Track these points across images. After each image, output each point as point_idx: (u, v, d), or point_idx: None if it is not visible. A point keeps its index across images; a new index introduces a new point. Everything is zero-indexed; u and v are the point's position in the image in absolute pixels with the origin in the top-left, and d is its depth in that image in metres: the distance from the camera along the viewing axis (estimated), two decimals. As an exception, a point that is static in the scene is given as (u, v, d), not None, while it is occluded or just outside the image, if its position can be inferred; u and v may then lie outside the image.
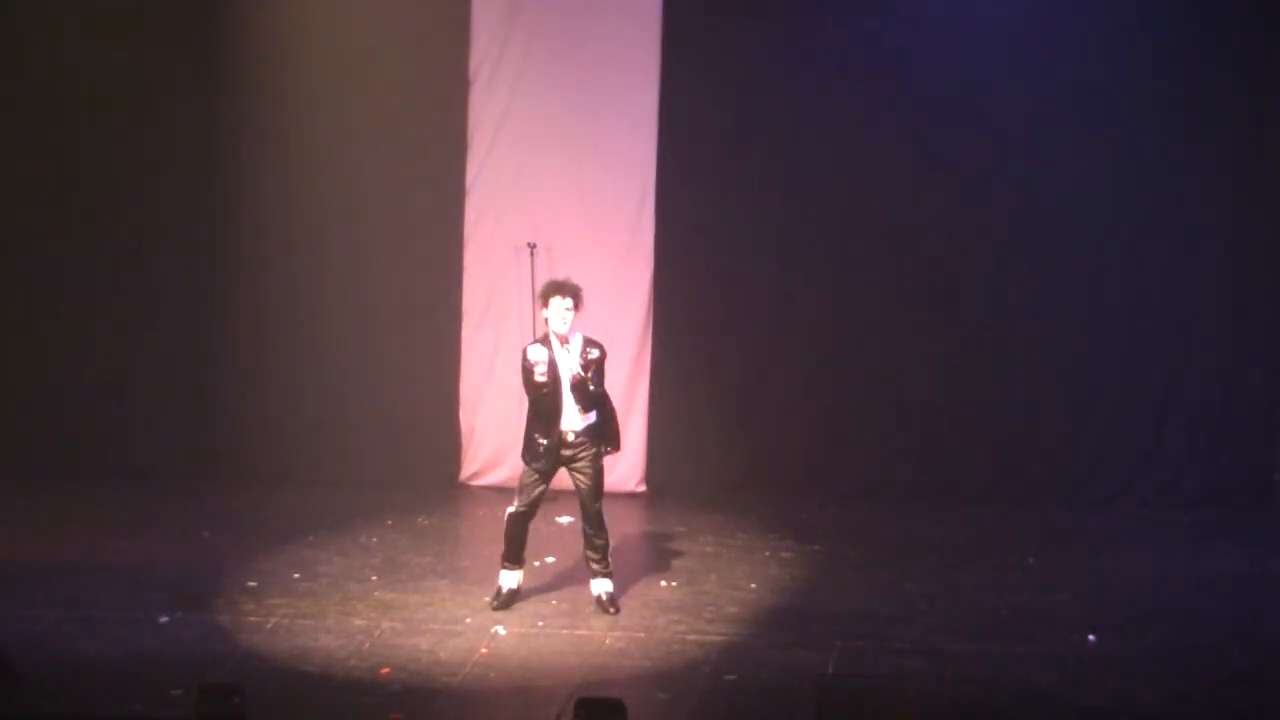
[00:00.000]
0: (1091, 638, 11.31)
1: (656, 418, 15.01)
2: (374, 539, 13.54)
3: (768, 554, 13.27)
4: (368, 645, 11.14)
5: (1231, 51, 14.30)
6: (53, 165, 15.12)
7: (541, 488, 11.74)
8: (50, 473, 14.87)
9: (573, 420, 11.60)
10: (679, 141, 14.81)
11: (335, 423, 15.11)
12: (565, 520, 13.08)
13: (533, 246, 14.68)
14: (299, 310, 15.10)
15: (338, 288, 15.09)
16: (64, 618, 11.50)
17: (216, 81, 14.97)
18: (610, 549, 11.87)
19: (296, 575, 12.56)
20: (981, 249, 14.64)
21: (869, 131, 14.62)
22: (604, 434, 11.73)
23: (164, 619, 11.55)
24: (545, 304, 11.57)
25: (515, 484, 11.95)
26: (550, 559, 12.82)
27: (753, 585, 12.50)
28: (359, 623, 11.56)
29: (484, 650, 11.09)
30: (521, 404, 11.99)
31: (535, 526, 12.03)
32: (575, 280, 11.69)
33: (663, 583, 12.53)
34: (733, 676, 10.71)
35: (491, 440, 14.97)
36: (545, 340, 11.61)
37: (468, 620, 11.62)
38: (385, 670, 10.72)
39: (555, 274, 13.93)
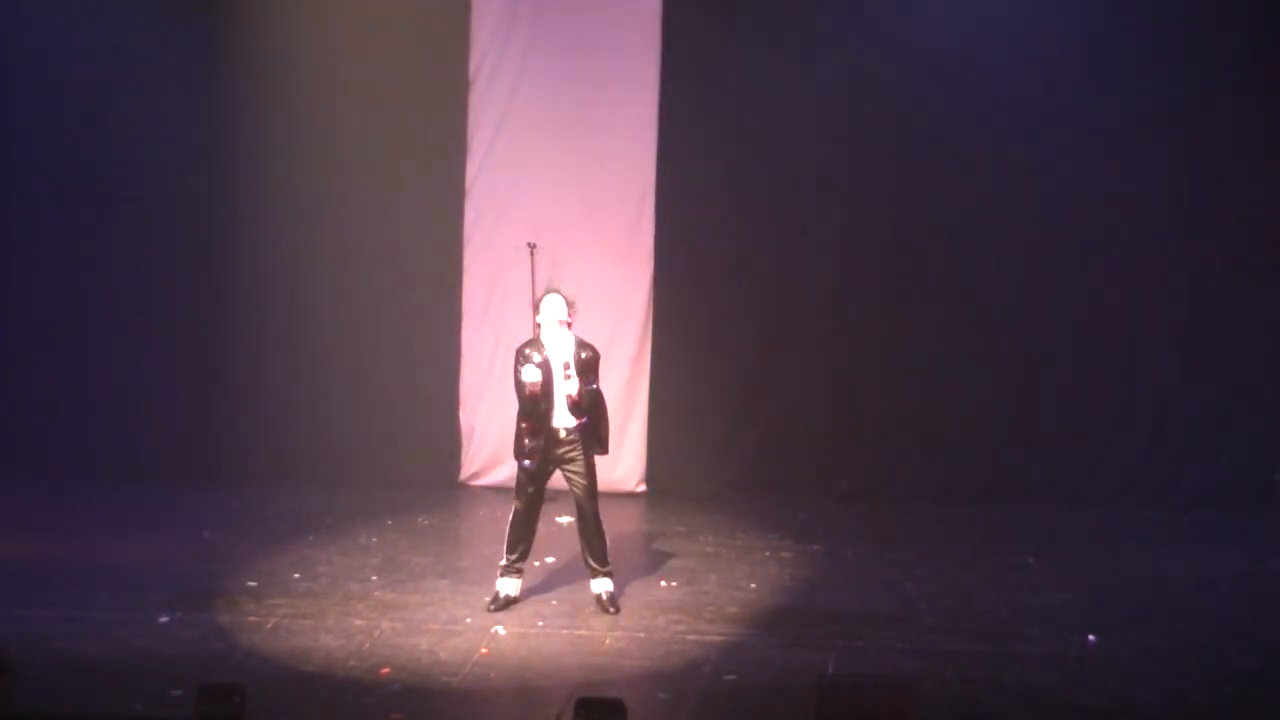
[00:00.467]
0: (1091, 638, 11.30)
1: (656, 418, 15.02)
2: (374, 539, 13.54)
3: (768, 554, 13.27)
4: (368, 645, 11.14)
5: (1233, 52, 14.30)
6: (53, 165, 15.12)
7: (536, 486, 11.74)
8: (50, 473, 14.87)
9: (564, 419, 11.62)
10: (679, 141, 14.82)
11: (335, 423, 15.11)
12: (565, 520, 13.08)
13: (533, 246, 14.63)
14: (299, 310, 15.11)
15: (338, 287, 15.09)
16: (64, 618, 11.50)
17: (216, 81, 14.98)
18: (609, 549, 11.87)
19: (296, 575, 12.56)
20: (982, 249, 14.64)
21: (869, 131, 14.63)
22: (595, 435, 11.74)
23: (164, 619, 11.55)
24: (539, 309, 11.60)
25: (515, 484, 11.95)
26: (550, 559, 12.82)
27: (753, 585, 12.50)
28: (359, 623, 11.56)
29: (484, 650, 11.09)
30: (521, 404, 12.02)
31: (539, 542, 12.04)
32: (575, 283, 11.74)
33: (663, 583, 12.53)
34: (733, 676, 10.70)
35: (491, 440, 14.98)
36: (538, 342, 11.62)
37: (468, 620, 11.62)
38: (385, 670, 10.71)
39: (555, 274, 13.95)
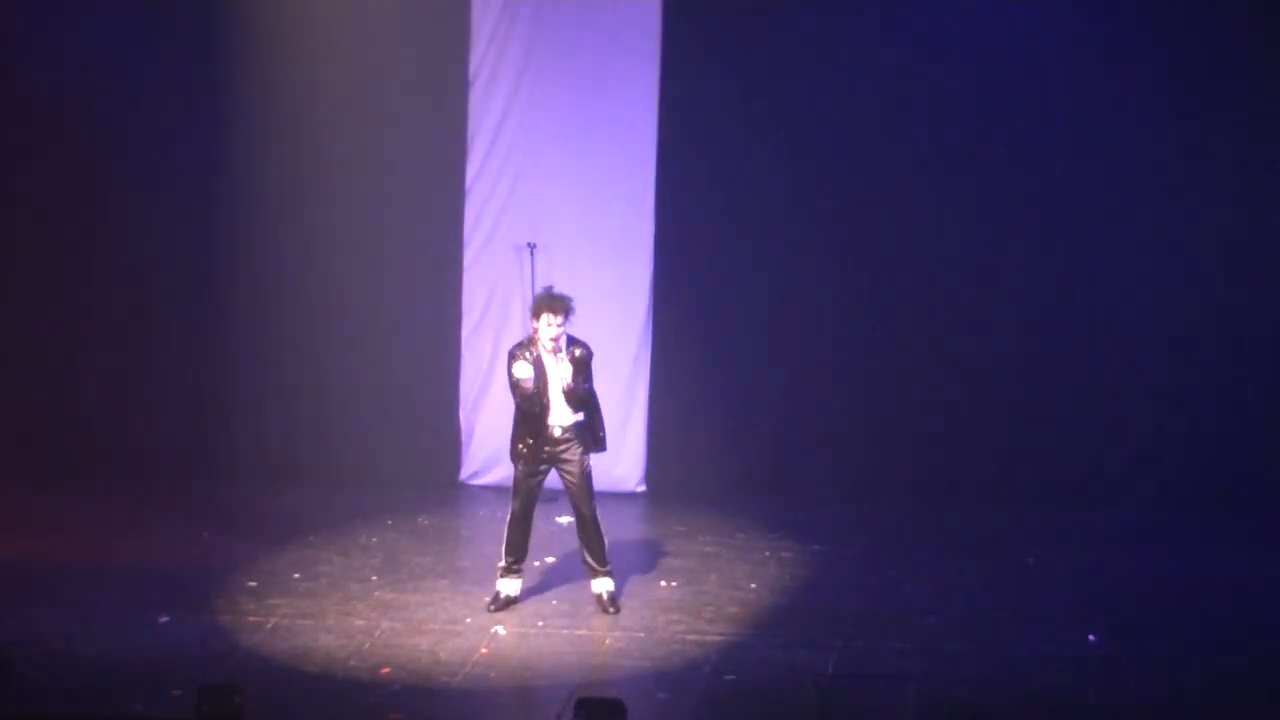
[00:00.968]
0: (1091, 638, 11.31)
1: (656, 418, 15.01)
2: (374, 539, 13.54)
3: (768, 554, 13.27)
4: (368, 645, 11.14)
5: (1234, 56, 14.28)
6: (53, 166, 15.11)
7: (533, 485, 11.74)
8: (50, 473, 14.87)
9: (561, 417, 11.63)
10: (679, 141, 14.81)
11: (335, 423, 15.10)
12: (565, 520, 13.07)
13: (533, 246, 14.67)
14: (299, 310, 15.10)
15: (337, 287, 15.08)
16: (64, 618, 11.50)
17: (216, 81, 14.95)
18: (607, 548, 11.87)
19: (296, 575, 12.57)
20: (982, 249, 14.62)
21: (869, 131, 14.62)
22: (591, 433, 11.74)
23: (164, 619, 11.56)
24: (536, 317, 11.60)
25: (512, 485, 11.95)
26: (550, 559, 12.82)
27: (753, 585, 12.50)
28: (359, 623, 11.57)
29: (484, 650, 11.09)
30: (520, 404, 12.02)
31: (535, 527, 12.02)
32: (566, 286, 11.75)
33: (663, 583, 12.53)
34: (733, 676, 10.71)
35: (491, 440, 14.94)
36: (532, 343, 11.62)
37: (468, 620, 11.63)
38: (385, 670, 10.72)
39: (555, 274, 13.97)
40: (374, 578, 12.55)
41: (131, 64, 14.95)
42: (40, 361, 15.18)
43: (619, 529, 13.20)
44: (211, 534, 13.57)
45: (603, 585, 11.83)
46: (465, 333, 15.12)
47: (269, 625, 11.49)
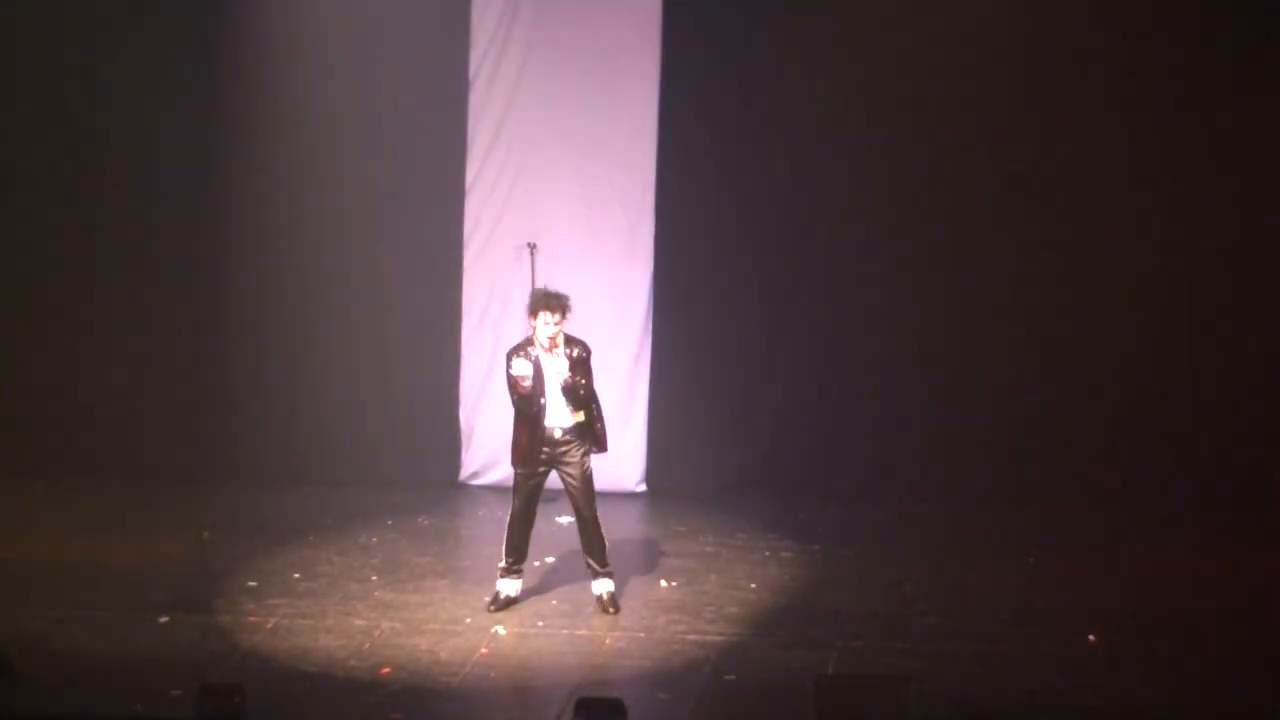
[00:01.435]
0: (1091, 638, 11.31)
1: (656, 418, 15.02)
2: (374, 539, 13.55)
3: (768, 554, 13.27)
4: (368, 645, 11.14)
5: (1234, 52, 14.29)
6: (54, 166, 15.12)
7: (533, 487, 11.74)
8: (50, 473, 14.87)
9: (561, 418, 11.62)
10: (679, 141, 14.82)
11: (335, 423, 15.11)
12: (565, 520, 13.07)
13: (533, 246, 14.67)
14: (299, 310, 15.11)
15: (337, 288, 15.09)
16: (64, 618, 11.51)
17: (216, 81, 14.97)
18: (608, 549, 11.87)
19: (296, 575, 12.57)
20: (982, 249, 14.63)
21: (870, 131, 14.62)
22: (591, 434, 11.74)
23: (164, 619, 11.56)
24: (534, 315, 11.59)
25: (512, 486, 11.95)
26: (550, 559, 12.82)
27: (753, 585, 12.51)
28: (359, 623, 11.57)
29: (484, 650, 11.09)
30: (520, 404, 12.02)
31: (535, 527, 12.03)
32: (566, 286, 11.76)
33: (663, 583, 12.53)
34: (733, 676, 10.71)
35: (491, 440, 14.95)
36: (530, 343, 11.62)
37: (468, 620, 11.63)
38: (385, 670, 10.72)
39: (555, 274, 13.97)
40: (374, 578, 12.55)
41: (131, 64, 14.95)
42: (40, 361, 15.19)
43: (619, 529, 13.21)
44: (211, 534, 13.58)
45: (603, 586, 11.83)
46: (465, 333, 15.13)
47: (269, 625, 11.49)
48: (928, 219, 14.64)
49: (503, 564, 11.86)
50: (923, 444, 14.76)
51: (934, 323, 14.69)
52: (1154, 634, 11.47)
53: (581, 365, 11.62)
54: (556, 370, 11.58)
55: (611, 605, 11.78)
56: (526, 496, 11.74)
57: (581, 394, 11.60)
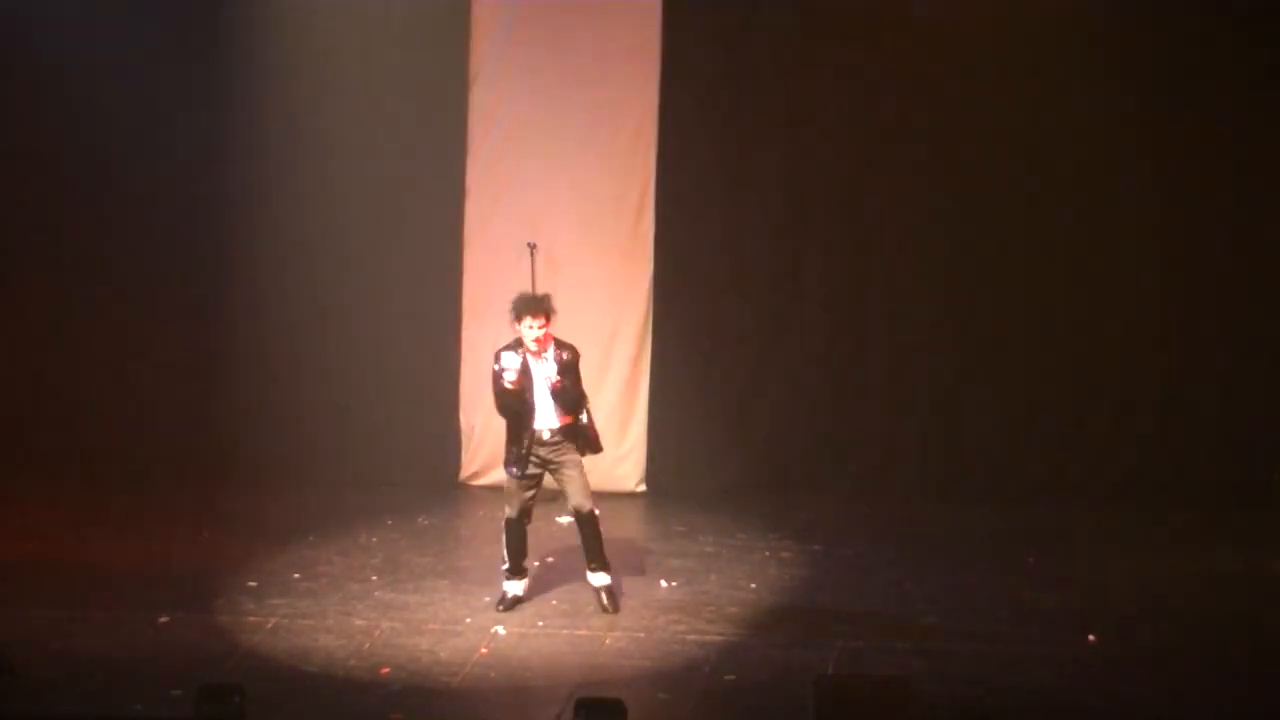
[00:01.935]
0: (1091, 638, 11.31)
1: (656, 418, 15.02)
2: (374, 539, 13.55)
3: (768, 554, 13.27)
4: (368, 645, 11.14)
5: (1235, 53, 14.29)
6: (54, 168, 15.12)
7: (528, 493, 11.74)
8: (51, 473, 14.87)
9: (549, 419, 11.62)
10: (679, 141, 14.81)
11: (335, 423, 15.11)
12: (565, 520, 13.08)
13: (533, 246, 14.62)
14: (299, 310, 15.11)
15: (338, 288, 15.09)
16: (64, 618, 11.50)
17: (216, 81, 14.96)
18: (604, 546, 11.86)
19: (296, 575, 12.57)
20: (982, 249, 14.63)
21: (869, 131, 14.62)
22: (583, 436, 11.74)
23: (164, 619, 11.56)
24: (518, 320, 11.60)
25: (505, 491, 11.96)
26: (550, 559, 12.82)
27: (753, 585, 12.51)
28: (359, 623, 11.57)
29: (484, 650, 11.09)
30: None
31: (535, 527, 12.04)
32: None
33: (663, 583, 12.53)
34: (733, 676, 10.71)
35: (491, 440, 14.93)
36: (519, 344, 11.63)
37: (468, 620, 11.63)
38: (385, 670, 10.72)
39: (555, 274, 13.96)
40: (374, 578, 12.55)
41: (131, 64, 14.94)
42: (40, 361, 15.19)
43: (619, 529, 13.21)
44: (211, 534, 13.58)
45: (600, 580, 11.84)
46: (465, 333, 15.12)
47: (269, 625, 11.49)
48: (928, 219, 14.65)
49: (505, 566, 11.86)
50: (923, 444, 14.76)
51: (934, 323, 14.69)
52: (1154, 634, 11.46)
53: (569, 368, 11.62)
54: (544, 374, 11.58)
55: (610, 601, 11.77)
56: (520, 504, 11.73)
57: (571, 397, 11.60)
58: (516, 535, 11.78)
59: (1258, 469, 14.40)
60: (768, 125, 14.73)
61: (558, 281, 14.18)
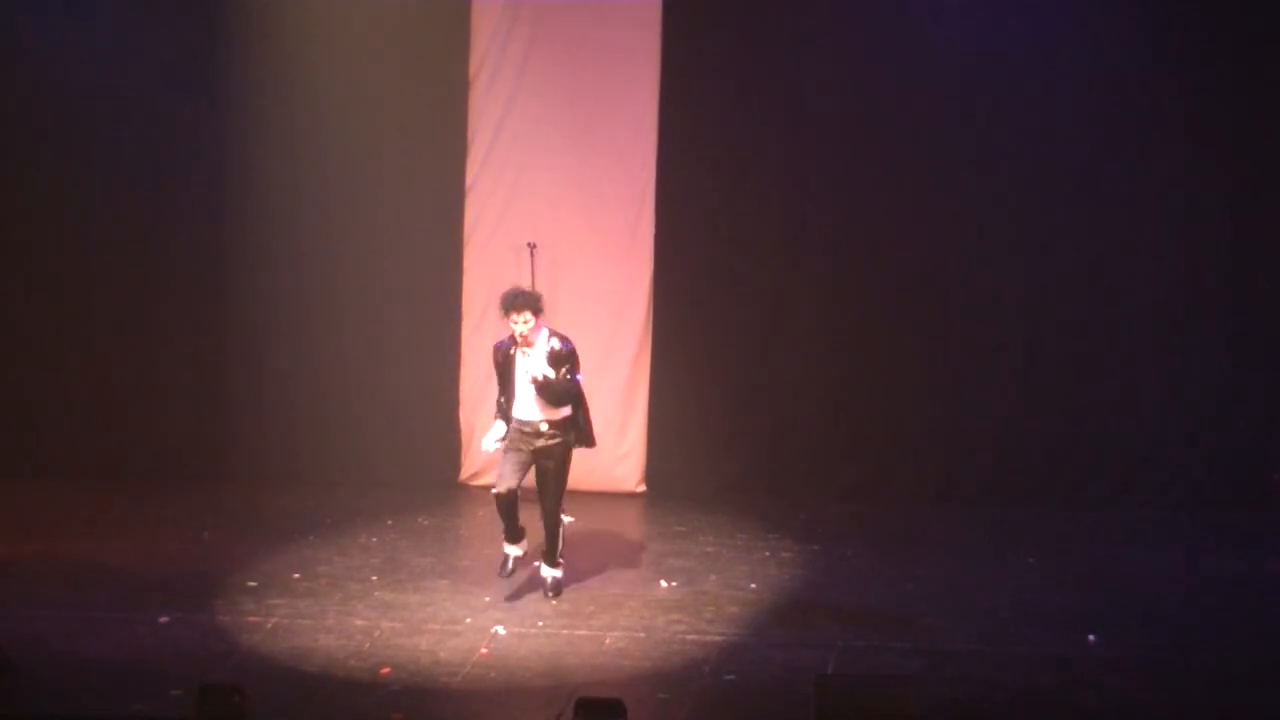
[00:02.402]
0: (1091, 638, 11.31)
1: (656, 418, 15.01)
2: (374, 539, 13.55)
3: (768, 554, 13.27)
4: (368, 645, 11.14)
5: (1233, 54, 14.28)
6: (55, 167, 15.12)
7: (512, 467, 11.79)
8: (50, 473, 14.87)
9: (528, 411, 11.73)
10: (679, 141, 14.81)
11: (335, 423, 15.10)
12: (565, 520, 13.08)
13: (533, 246, 14.66)
14: (299, 310, 15.11)
15: (338, 288, 15.08)
16: (64, 618, 11.50)
17: (216, 81, 14.96)
18: (560, 549, 12.03)
19: (296, 575, 12.57)
20: (982, 249, 14.63)
21: (869, 132, 14.62)
22: (577, 428, 11.81)
23: (164, 619, 11.55)
24: (505, 315, 11.70)
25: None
26: (550, 559, 12.82)
27: (753, 585, 12.50)
28: (359, 623, 11.57)
29: (484, 650, 11.09)
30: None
31: (535, 527, 12.03)
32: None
33: (663, 583, 12.53)
34: (733, 676, 10.71)
35: (491, 440, 14.97)
36: (513, 339, 11.78)
37: (468, 620, 11.63)
38: (385, 670, 10.72)
39: (555, 274, 13.98)
40: (374, 578, 12.55)
41: (131, 64, 14.94)
42: (40, 361, 15.18)
43: (619, 529, 13.22)
44: (211, 534, 13.58)
45: (550, 572, 12.06)
46: (465, 333, 15.12)
47: (269, 625, 11.49)
48: (927, 219, 14.64)
49: (503, 532, 11.99)
50: (922, 444, 14.76)
51: (934, 322, 14.68)
52: (1154, 634, 11.46)
53: (559, 361, 11.68)
54: (527, 369, 11.68)
55: (553, 589, 11.96)
56: (506, 479, 11.78)
57: (557, 391, 11.63)
58: (506, 507, 11.86)
59: (1258, 469, 14.40)
60: (767, 125, 14.72)
61: (558, 281, 14.24)
